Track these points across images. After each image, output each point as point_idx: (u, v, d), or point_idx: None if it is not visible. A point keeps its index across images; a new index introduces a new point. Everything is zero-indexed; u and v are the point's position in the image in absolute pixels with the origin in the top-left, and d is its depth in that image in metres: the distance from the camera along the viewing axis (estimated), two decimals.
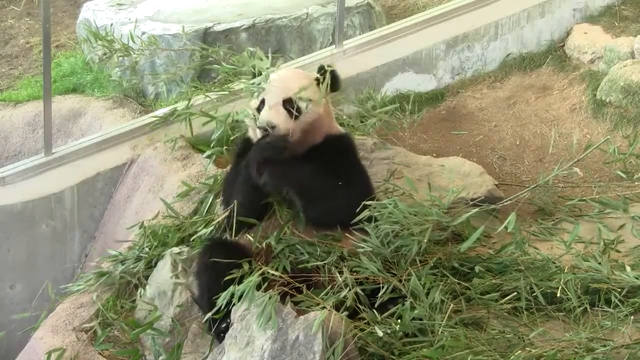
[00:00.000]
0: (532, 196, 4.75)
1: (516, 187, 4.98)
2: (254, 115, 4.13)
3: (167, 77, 5.77)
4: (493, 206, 4.34)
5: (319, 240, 4.00)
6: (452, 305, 3.78)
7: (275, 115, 4.06)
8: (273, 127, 4.04)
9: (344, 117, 5.14)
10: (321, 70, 4.25)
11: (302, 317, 3.60)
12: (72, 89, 6.44)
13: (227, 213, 4.17)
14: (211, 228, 4.37)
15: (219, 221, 4.31)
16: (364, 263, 3.86)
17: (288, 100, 4.10)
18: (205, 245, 4.18)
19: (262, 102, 4.15)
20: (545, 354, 3.57)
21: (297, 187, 4.01)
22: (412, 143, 5.44)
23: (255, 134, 4.15)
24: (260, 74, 4.30)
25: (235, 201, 4.12)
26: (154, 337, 4.15)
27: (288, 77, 4.24)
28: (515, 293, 3.92)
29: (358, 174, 4.21)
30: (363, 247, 3.91)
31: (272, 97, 4.13)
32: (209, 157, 5.11)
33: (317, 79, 4.22)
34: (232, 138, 4.97)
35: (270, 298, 3.64)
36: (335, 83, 4.26)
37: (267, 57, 4.39)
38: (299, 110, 4.09)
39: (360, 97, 5.27)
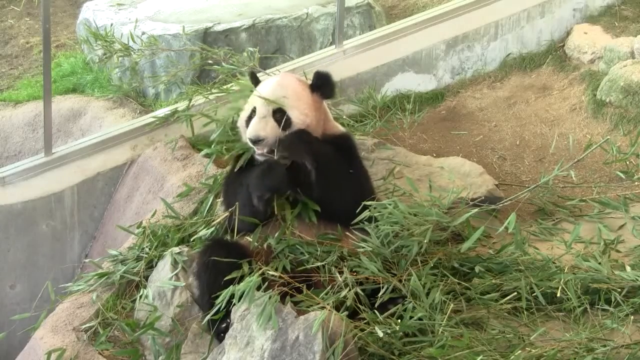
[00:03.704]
0: (532, 196, 4.75)
1: (516, 187, 4.98)
2: (245, 124, 4.11)
3: (167, 78, 5.77)
4: (493, 206, 4.34)
5: (318, 240, 4.00)
6: (452, 305, 3.78)
7: (263, 128, 4.04)
8: (261, 140, 4.03)
9: (344, 117, 5.15)
10: (316, 75, 4.21)
11: (302, 317, 3.59)
12: (72, 89, 6.45)
13: (227, 214, 4.17)
14: (212, 230, 4.37)
15: (219, 221, 4.31)
16: (364, 263, 3.85)
17: (278, 110, 4.07)
18: (205, 245, 4.17)
19: (254, 111, 4.11)
20: (545, 354, 3.57)
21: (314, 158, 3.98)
22: (412, 143, 5.44)
23: (246, 139, 4.13)
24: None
25: (237, 203, 4.12)
26: (154, 337, 4.14)
27: (280, 85, 4.18)
28: (515, 293, 3.92)
29: (356, 172, 4.19)
30: (363, 247, 3.91)
31: (262, 107, 4.10)
32: (208, 157, 5.10)
33: (311, 85, 4.20)
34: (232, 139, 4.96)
35: (270, 298, 3.63)
36: (329, 89, 4.22)
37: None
38: (289, 121, 4.06)
39: (360, 97, 5.28)
